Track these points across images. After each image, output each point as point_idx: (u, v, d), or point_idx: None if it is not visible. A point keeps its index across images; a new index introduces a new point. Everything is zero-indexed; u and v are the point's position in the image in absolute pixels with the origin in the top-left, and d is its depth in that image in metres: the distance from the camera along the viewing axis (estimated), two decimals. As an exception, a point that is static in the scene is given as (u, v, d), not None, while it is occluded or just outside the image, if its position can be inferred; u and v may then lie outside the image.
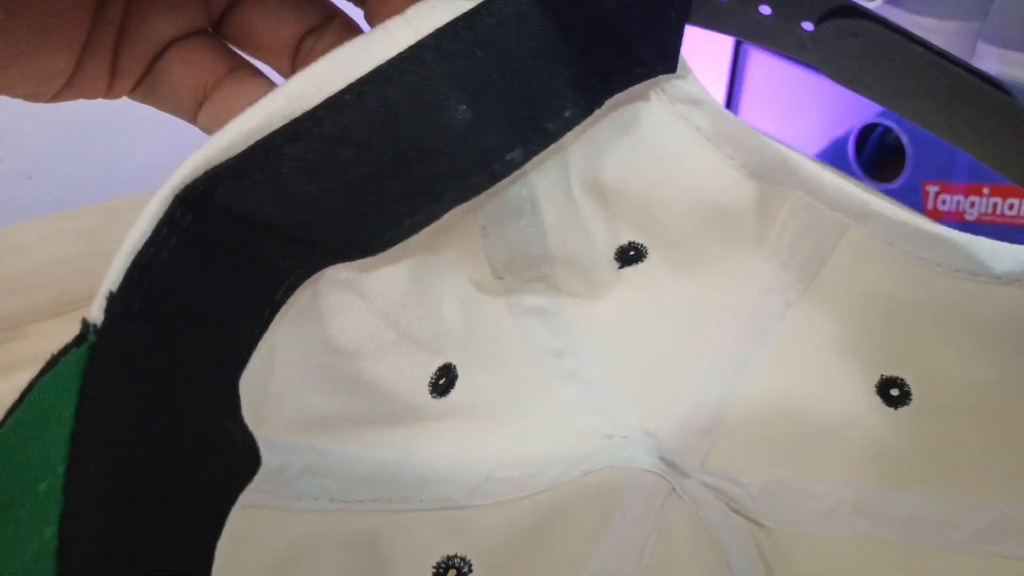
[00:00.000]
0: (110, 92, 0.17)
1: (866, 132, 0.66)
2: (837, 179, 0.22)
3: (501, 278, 0.24)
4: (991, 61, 0.53)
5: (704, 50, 0.91)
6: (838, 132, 0.68)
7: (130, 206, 0.43)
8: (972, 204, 0.57)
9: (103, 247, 0.40)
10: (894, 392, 0.23)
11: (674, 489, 0.24)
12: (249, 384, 0.17)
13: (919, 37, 0.19)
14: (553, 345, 0.26)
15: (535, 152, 0.19)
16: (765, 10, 0.20)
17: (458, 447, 0.24)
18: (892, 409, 0.23)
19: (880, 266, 0.22)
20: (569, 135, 0.20)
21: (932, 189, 0.61)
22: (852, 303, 0.24)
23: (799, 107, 0.72)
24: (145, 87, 0.18)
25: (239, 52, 0.19)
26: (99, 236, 0.43)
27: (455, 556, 0.23)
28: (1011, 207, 0.54)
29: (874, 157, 0.67)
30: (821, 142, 0.71)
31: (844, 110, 0.67)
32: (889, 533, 0.23)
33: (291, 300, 0.18)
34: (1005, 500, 0.22)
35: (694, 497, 0.24)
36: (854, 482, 0.24)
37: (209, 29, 0.18)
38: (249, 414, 0.17)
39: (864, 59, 0.20)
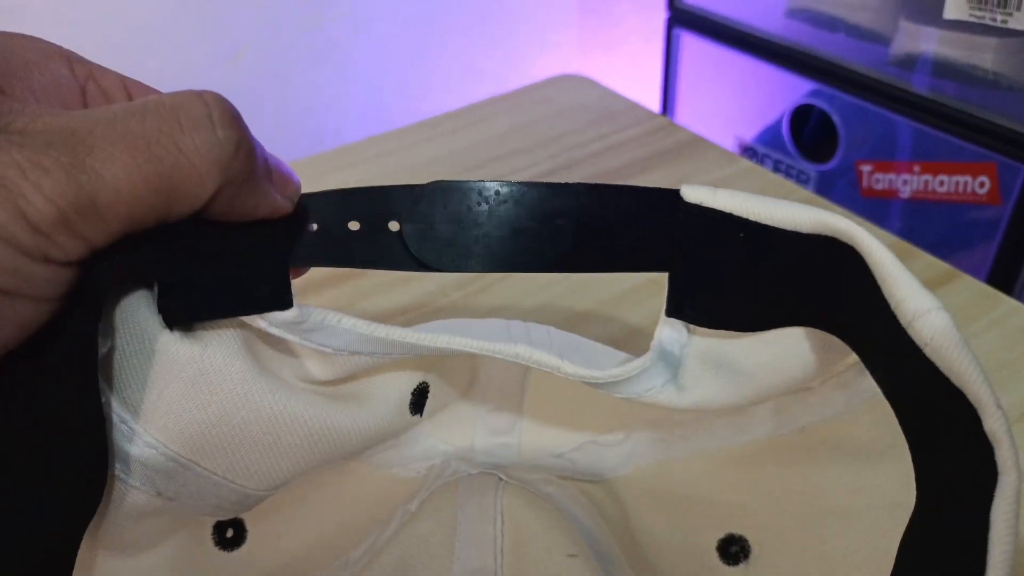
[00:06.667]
0: None
1: (805, 114, 0.66)
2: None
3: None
4: (912, 38, 0.53)
5: (637, 37, 0.90)
6: (772, 114, 0.68)
7: None
8: (905, 182, 0.58)
9: None
10: None
11: (501, 478, 0.25)
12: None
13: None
14: None
15: None
16: (354, 225, 0.19)
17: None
18: None
19: None
20: None
21: (866, 168, 0.61)
22: None
23: (733, 90, 0.72)
24: None
25: None
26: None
27: None
28: (941, 184, 0.55)
29: (813, 139, 0.67)
30: (756, 125, 0.71)
31: (776, 92, 0.67)
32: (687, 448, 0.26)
33: None
34: None
35: (521, 477, 0.25)
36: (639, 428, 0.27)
37: None
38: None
39: (454, 219, 0.19)
